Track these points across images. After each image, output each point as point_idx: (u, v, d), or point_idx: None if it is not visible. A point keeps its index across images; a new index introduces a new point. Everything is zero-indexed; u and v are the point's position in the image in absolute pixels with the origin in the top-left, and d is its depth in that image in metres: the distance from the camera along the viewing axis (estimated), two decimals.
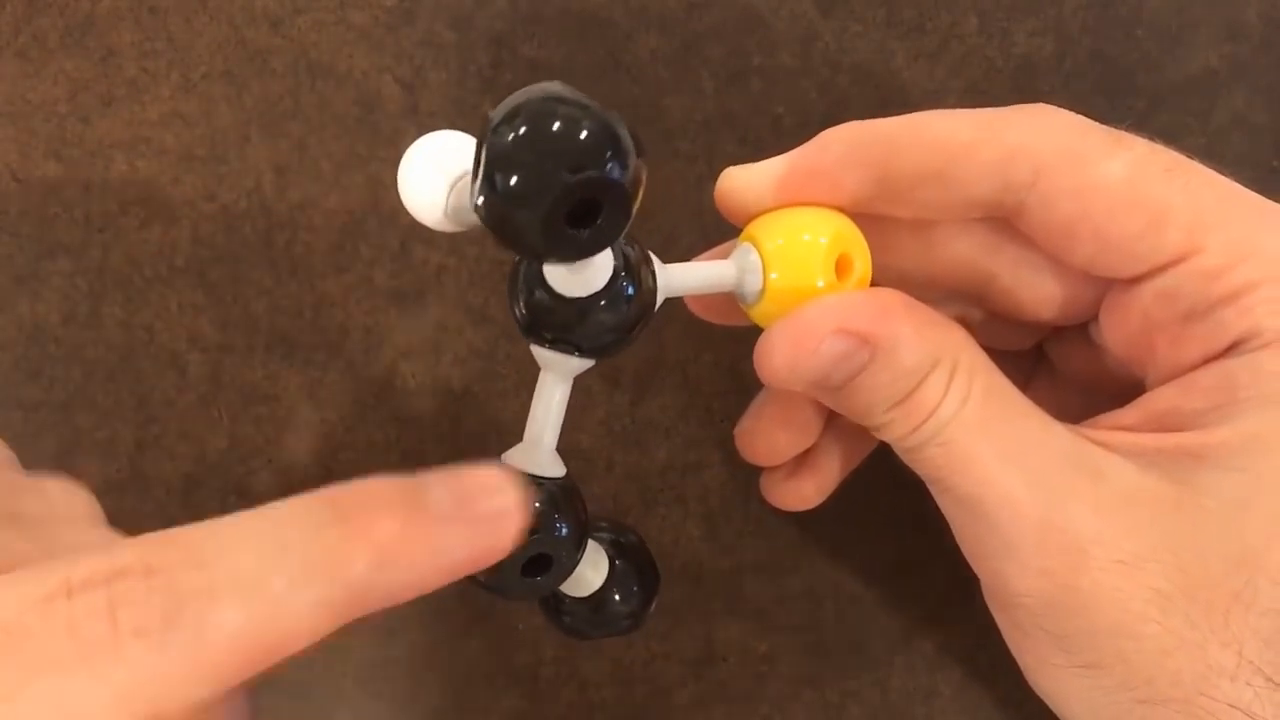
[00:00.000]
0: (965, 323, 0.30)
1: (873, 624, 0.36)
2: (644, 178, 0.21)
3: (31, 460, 0.28)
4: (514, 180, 0.19)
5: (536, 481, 0.26)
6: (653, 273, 0.25)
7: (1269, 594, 0.24)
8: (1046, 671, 0.27)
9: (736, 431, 0.32)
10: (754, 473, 0.34)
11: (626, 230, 0.21)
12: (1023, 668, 0.28)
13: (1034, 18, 0.35)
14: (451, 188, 0.23)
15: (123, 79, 0.36)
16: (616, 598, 0.29)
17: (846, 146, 0.27)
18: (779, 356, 0.26)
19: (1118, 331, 0.28)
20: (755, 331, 0.27)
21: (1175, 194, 0.26)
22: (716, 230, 0.29)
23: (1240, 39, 0.35)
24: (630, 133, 0.20)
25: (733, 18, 0.35)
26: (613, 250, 0.24)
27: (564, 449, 0.27)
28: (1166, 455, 0.26)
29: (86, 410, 0.36)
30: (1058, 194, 0.26)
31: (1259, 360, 0.25)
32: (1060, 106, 0.27)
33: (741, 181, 0.27)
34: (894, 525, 0.36)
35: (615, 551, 0.30)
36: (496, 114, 0.20)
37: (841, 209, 0.27)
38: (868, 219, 0.27)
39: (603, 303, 0.24)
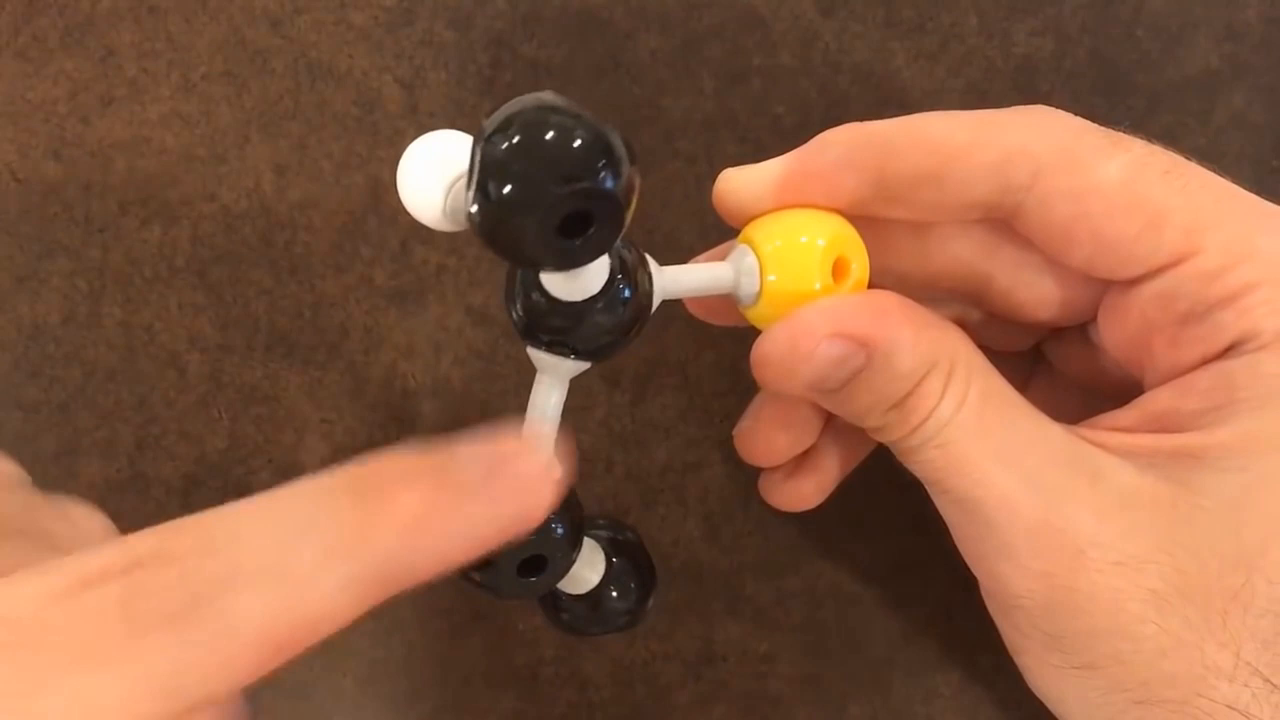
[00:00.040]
0: (963, 324, 0.30)
1: (873, 624, 0.36)
2: (637, 186, 0.21)
3: (31, 460, 0.28)
4: (507, 190, 0.19)
5: None
6: (649, 275, 0.25)
7: (1266, 595, 0.24)
8: (1044, 672, 0.27)
9: (735, 432, 0.32)
10: (754, 473, 0.34)
11: (620, 237, 0.21)
12: (1021, 668, 0.28)
13: (1034, 18, 0.35)
14: (450, 187, 0.23)
15: (123, 79, 0.36)
16: (614, 595, 0.29)
17: (844, 149, 0.26)
18: (774, 361, 0.26)
19: (1116, 333, 0.28)
20: (755, 331, 0.27)
21: (1173, 195, 0.26)
22: (716, 230, 0.29)
23: (1240, 39, 0.35)
24: (623, 142, 0.20)
25: (733, 18, 0.35)
26: (609, 253, 0.24)
27: None
28: (1164, 456, 0.26)
29: (86, 410, 0.36)
30: (1055, 195, 0.26)
31: (1257, 361, 0.25)
32: (1060, 106, 0.27)
33: (739, 183, 0.27)
34: (894, 525, 0.36)
35: (612, 549, 0.30)
36: (490, 123, 0.20)
37: (839, 211, 0.27)
38: (866, 220, 0.27)
39: (599, 306, 0.24)
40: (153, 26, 0.36)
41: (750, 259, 0.26)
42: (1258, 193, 0.27)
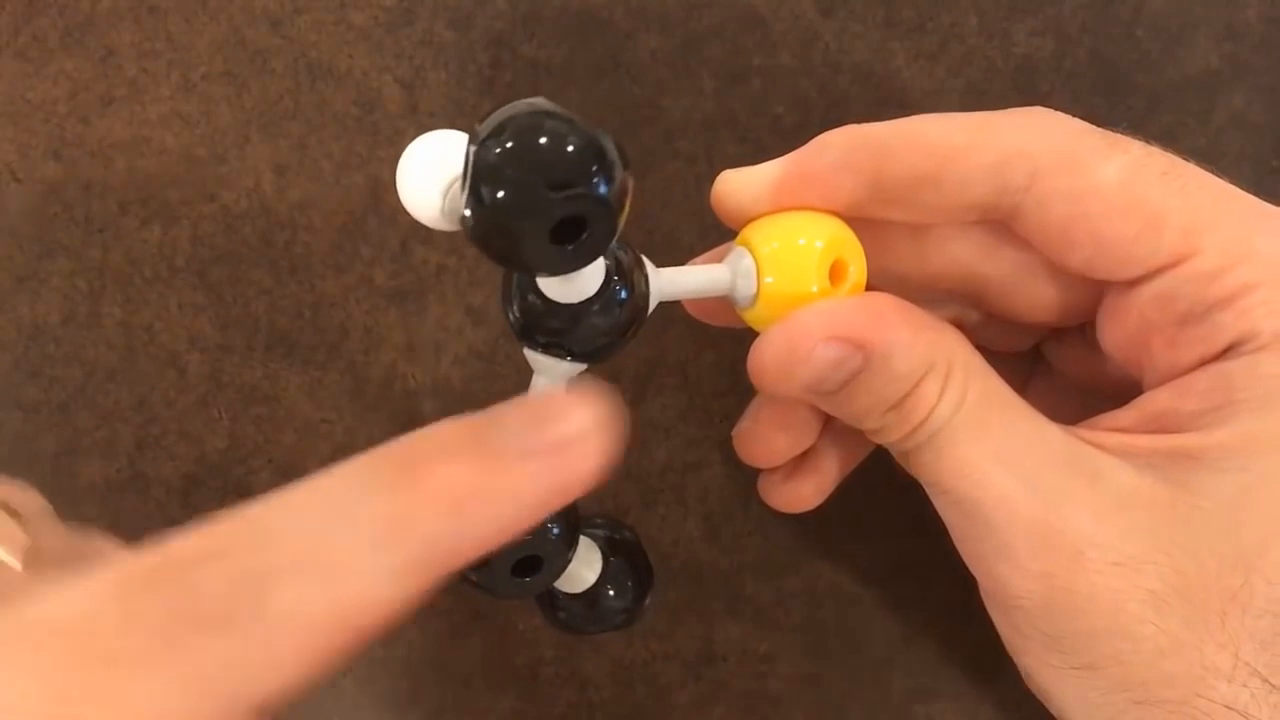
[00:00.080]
0: (962, 325, 0.30)
1: (873, 624, 0.36)
2: (631, 191, 0.21)
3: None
4: (500, 196, 0.19)
5: None
6: (645, 277, 0.25)
7: (1265, 595, 0.24)
8: (1043, 672, 0.27)
9: (734, 433, 0.32)
10: (754, 473, 0.34)
11: (614, 241, 0.21)
12: (1021, 669, 0.28)
13: (1034, 18, 0.35)
14: (449, 187, 0.23)
15: (123, 79, 0.36)
16: (611, 594, 0.29)
17: (841, 151, 0.26)
18: (771, 364, 0.26)
19: (1114, 333, 0.28)
20: (755, 331, 0.27)
21: (1171, 197, 0.26)
22: (716, 230, 0.29)
23: (1240, 39, 0.35)
24: (617, 146, 0.20)
25: (733, 18, 0.35)
26: (605, 255, 0.24)
27: None
28: (1163, 456, 0.26)
29: (86, 410, 0.36)
30: (1054, 197, 0.26)
31: (1256, 362, 0.25)
32: (1060, 106, 0.27)
33: (737, 185, 0.27)
34: (894, 526, 0.36)
35: (609, 548, 0.30)
36: (483, 129, 0.20)
37: (837, 213, 0.27)
38: (864, 222, 0.27)
39: (595, 308, 0.24)
40: (153, 26, 0.36)
41: (747, 261, 0.26)
42: (1257, 193, 0.26)
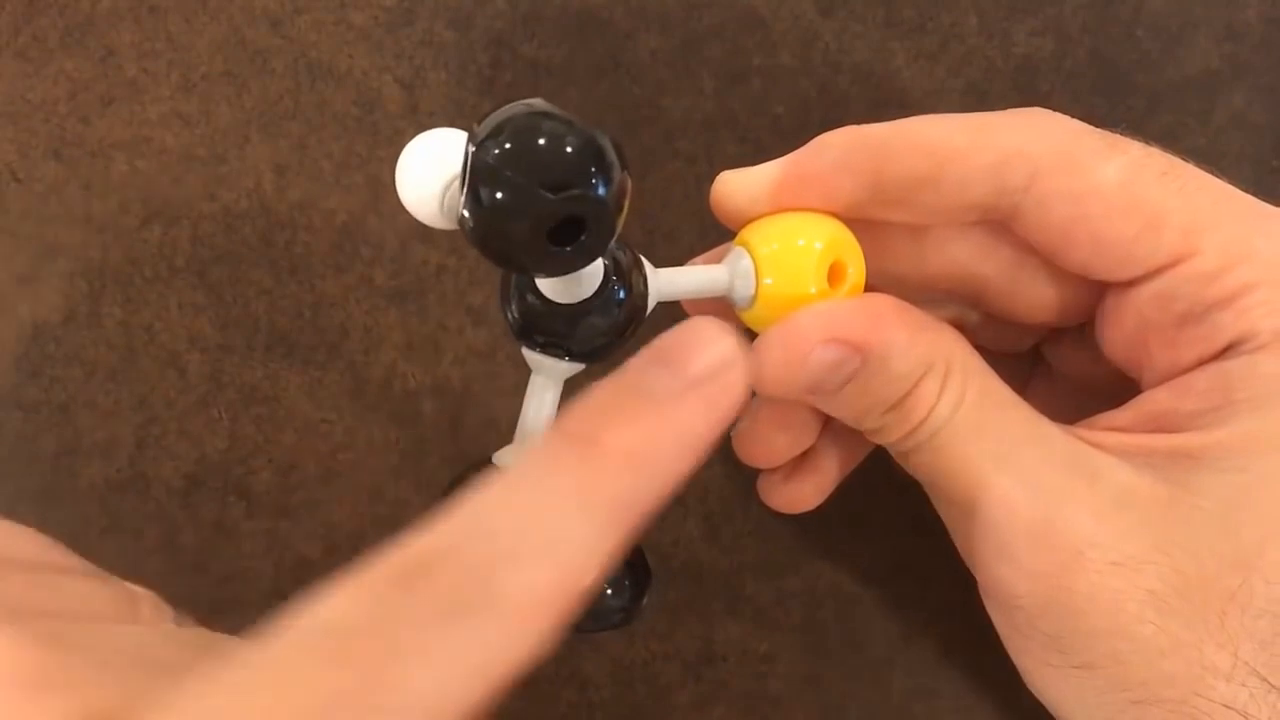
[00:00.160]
0: (962, 325, 0.30)
1: (873, 624, 0.36)
2: (629, 192, 0.21)
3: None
4: (497, 197, 0.19)
5: None
6: (644, 277, 0.25)
7: (1264, 595, 0.24)
8: (1043, 672, 0.27)
9: (734, 433, 0.32)
10: (754, 473, 0.34)
11: (612, 242, 0.21)
12: (1020, 668, 0.28)
13: (1034, 18, 0.35)
14: (448, 185, 0.23)
15: (123, 79, 0.36)
16: (608, 592, 0.29)
17: (840, 152, 0.26)
18: (769, 366, 0.26)
19: (1114, 334, 0.28)
20: (754, 333, 0.27)
21: (1170, 197, 0.26)
22: (716, 230, 0.29)
23: (1240, 39, 0.35)
24: (615, 147, 0.20)
25: (733, 18, 0.35)
26: (603, 256, 0.24)
27: None
28: (1162, 456, 0.26)
29: (86, 410, 0.36)
30: (1053, 197, 0.26)
31: (1255, 362, 0.25)
32: (1060, 107, 0.27)
33: (736, 186, 0.27)
34: (893, 526, 0.36)
35: None
36: (481, 130, 0.20)
37: (836, 214, 0.27)
38: (863, 223, 0.27)
39: (594, 308, 0.24)
40: (153, 26, 0.36)
41: (746, 262, 0.26)
42: (1257, 193, 0.27)
